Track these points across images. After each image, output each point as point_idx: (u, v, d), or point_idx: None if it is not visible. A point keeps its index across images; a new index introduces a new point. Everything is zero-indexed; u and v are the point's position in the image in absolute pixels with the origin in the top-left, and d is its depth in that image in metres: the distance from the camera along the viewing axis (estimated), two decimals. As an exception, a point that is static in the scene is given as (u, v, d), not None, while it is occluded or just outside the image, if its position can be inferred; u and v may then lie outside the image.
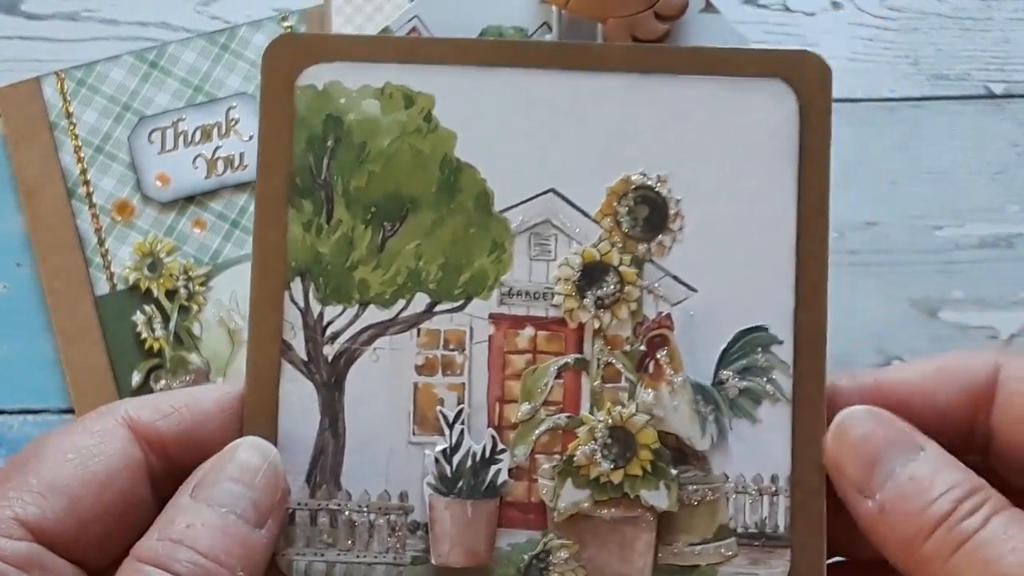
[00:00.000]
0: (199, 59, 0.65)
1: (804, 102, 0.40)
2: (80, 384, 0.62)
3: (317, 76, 0.40)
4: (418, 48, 0.40)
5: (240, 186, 0.64)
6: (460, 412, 0.39)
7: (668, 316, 0.40)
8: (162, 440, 0.38)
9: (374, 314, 0.40)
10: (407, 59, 0.40)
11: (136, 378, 0.63)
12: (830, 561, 0.43)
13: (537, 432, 0.39)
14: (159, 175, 0.64)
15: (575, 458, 0.39)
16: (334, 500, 0.39)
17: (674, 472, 0.39)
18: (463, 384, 0.40)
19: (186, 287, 0.63)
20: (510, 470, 0.39)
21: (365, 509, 0.39)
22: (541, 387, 0.40)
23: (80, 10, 0.66)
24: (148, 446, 0.37)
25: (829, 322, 0.40)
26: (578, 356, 0.40)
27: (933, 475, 0.36)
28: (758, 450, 0.39)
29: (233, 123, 0.65)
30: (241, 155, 0.64)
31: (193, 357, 0.63)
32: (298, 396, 0.39)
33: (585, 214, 0.40)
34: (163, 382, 0.63)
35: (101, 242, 0.64)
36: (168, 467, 0.38)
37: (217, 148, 0.64)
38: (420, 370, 0.40)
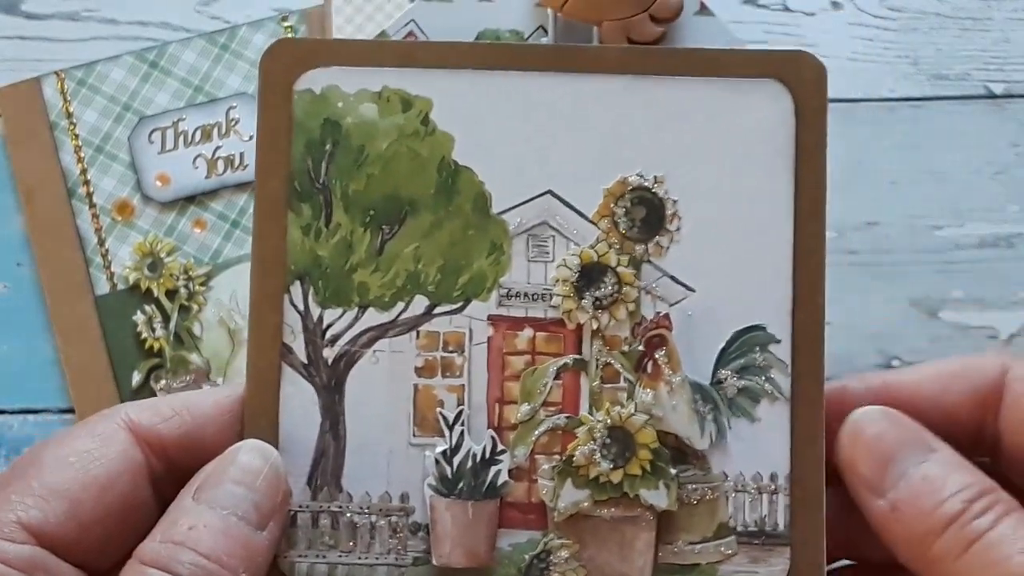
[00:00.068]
0: (199, 59, 0.65)
1: (799, 102, 0.40)
2: (80, 384, 0.62)
3: (315, 80, 0.40)
4: (415, 52, 0.40)
5: (240, 186, 0.64)
6: (460, 413, 0.39)
7: (666, 316, 0.40)
8: (163, 443, 0.38)
9: (373, 317, 0.40)
10: (404, 63, 0.40)
11: (136, 378, 0.63)
12: (840, 564, 0.43)
13: (537, 433, 0.40)
14: (159, 175, 0.64)
15: (574, 458, 0.39)
16: (335, 502, 0.39)
17: (673, 471, 0.39)
18: (463, 385, 0.40)
19: (186, 287, 0.63)
20: (510, 471, 0.39)
21: (366, 511, 0.39)
22: (540, 388, 0.40)
23: (80, 10, 0.66)
24: (149, 449, 0.38)
25: (829, 322, 0.40)
26: (577, 357, 0.40)
27: (945, 476, 0.37)
28: (757, 449, 0.39)
29: (233, 123, 0.65)
30: (241, 155, 0.64)
31: (193, 357, 0.63)
32: (298, 399, 0.39)
33: (583, 215, 0.40)
34: (163, 382, 0.63)
35: (101, 242, 0.64)
36: (169, 470, 0.38)
37: (217, 148, 0.64)
38: (420, 372, 0.40)
